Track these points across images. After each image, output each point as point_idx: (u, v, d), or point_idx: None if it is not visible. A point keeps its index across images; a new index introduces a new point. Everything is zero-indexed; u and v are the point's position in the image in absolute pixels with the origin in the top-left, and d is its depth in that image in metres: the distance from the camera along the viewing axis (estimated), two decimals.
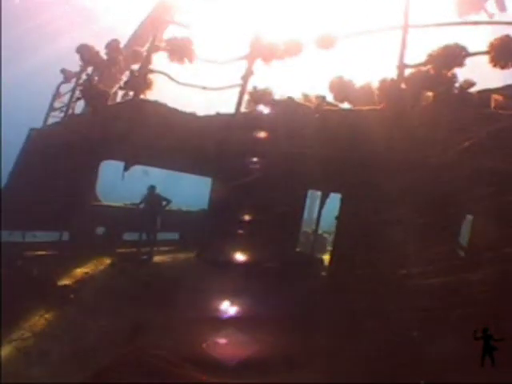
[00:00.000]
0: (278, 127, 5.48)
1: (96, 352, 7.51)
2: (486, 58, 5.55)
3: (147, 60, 6.24)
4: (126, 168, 10.35)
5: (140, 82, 6.12)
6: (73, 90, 8.83)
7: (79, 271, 10.14)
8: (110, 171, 12.00)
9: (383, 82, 5.40)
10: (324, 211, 11.31)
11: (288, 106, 5.49)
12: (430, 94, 5.50)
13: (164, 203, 12.32)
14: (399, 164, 4.90)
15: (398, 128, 4.91)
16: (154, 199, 11.99)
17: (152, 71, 6.27)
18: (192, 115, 6.40)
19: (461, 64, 5.46)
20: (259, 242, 9.73)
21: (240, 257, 10.26)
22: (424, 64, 5.44)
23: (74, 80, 9.59)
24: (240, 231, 10.88)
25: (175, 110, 6.20)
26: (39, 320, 8.63)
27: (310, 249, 12.10)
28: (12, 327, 8.32)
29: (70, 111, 8.92)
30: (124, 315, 8.37)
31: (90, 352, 7.44)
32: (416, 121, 4.91)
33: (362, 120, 5.14)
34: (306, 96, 6.00)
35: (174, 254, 13.10)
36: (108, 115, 6.66)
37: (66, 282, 9.67)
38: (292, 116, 5.43)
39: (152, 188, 12.00)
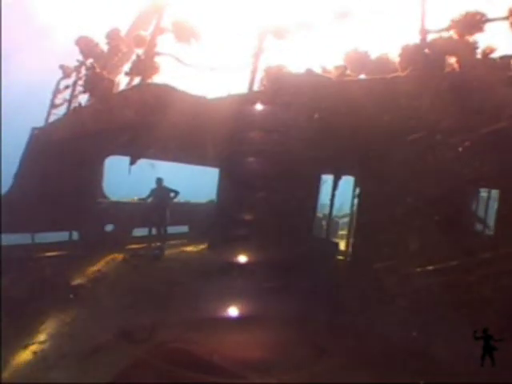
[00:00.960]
0: (297, 103, 5.21)
1: (115, 351, 7.32)
2: (504, 24, 5.39)
3: (152, 42, 5.96)
4: (132, 162, 10.12)
5: (147, 65, 5.84)
6: (74, 84, 8.55)
7: (91, 270, 9.94)
8: (114, 167, 11.77)
9: (406, 48, 5.14)
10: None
11: (308, 79, 5.21)
12: (453, 59, 5.27)
13: (172, 195, 12.09)
14: (430, 133, 4.69)
15: (427, 94, 4.66)
16: (162, 192, 11.76)
17: (158, 54, 6.00)
18: (203, 98, 6.12)
19: (481, 29, 5.29)
20: (273, 230, 9.55)
21: (253, 247, 10.10)
22: (446, 29, 5.24)
23: (73, 75, 9.31)
24: (251, 220, 10.75)
25: (186, 94, 5.92)
26: (54, 321, 8.43)
27: (324, 233, 11.87)
28: (26, 331, 8.13)
29: (72, 106, 8.65)
30: (140, 312, 8.19)
31: (109, 351, 7.25)
32: (445, 86, 4.65)
33: (388, 88, 4.87)
34: (324, 68, 5.74)
35: (185, 247, 12.91)
36: (115, 103, 6.38)
37: (79, 281, 9.46)
38: (313, 89, 5.15)
39: (159, 181, 11.77)
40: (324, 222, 14.44)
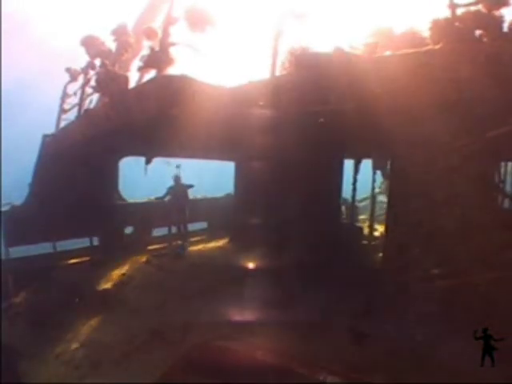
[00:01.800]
0: (327, 83, 4.93)
1: (149, 354, 7.16)
2: None
3: (165, 33, 5.68)
4: (147, 161, 9.90)
5: (161, 57, 5.57)
6: (83, 86, 8.30)
7: (116, 273, 9.79)
8: (129, 168, 11.55)
9: (436, 22, 4.91)
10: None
11: (338, 58, 4.92)
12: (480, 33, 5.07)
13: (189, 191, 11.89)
14: (471, 107, 4.43)
15: (465, 67, 4.40)
16: (180, 190, 11.54)
17: (173, 44, 5.72)
18: (223, 88, 5.84)
19: (508, 4, 5.18)
20: (298, 220, 9.31)
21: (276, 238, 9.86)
22: (474, 4, 5.07)
23: (80, 78, 9.07)
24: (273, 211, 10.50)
25: (205, 84, 5.63)
26: (84, 329, 8.29)
27: (349, 218, 11.62)
28: (56, 340, 8.01)
29: (83, 109, 8.42)
30: (170, 313, 8.01)
31: (143, 355, 7.09)
32: (481, 58, 4.40)
33: (424, 62, 4.59)
34: (352, 46, 5.45)
35: (206, 243, 12.72)
36: (131, 99, 6.13)
37: (104, 286, 9.31)
38: (345, 68, 4.86)
39: (177, 178, 11.54)
40: (343, 207, 14.11)
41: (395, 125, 5.01)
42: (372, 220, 11.94)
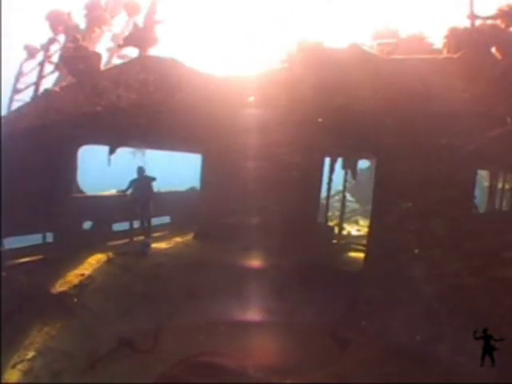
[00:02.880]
0: (338, 79, 4.55)
1: (119, 364, 6.52)
2: None
3: (153, 8, 4.99)
4: (111, 151, 9.05)
5: (146, 35, 4.88)
6: (41, 64, 7.30)
7: (74, 274, 8.90)
8: (88, 157, 10.58)
9: (453, 30, 4.73)
10: None
11: (354, 56, 4.55)
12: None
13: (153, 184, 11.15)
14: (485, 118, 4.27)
15: (482, 78, 4.24)
16: (144, 182, 10.77)
17: (159, 22, 5.03)
18: (214, 77, 5.26)
19: None
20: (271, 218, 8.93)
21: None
22: (493, 18, 5.02)
23: (39, 55, 8.05)
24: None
25: (194, 71, 5.02)
26: (40, 336, 7.49)
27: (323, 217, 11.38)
28: (11, 348, 7.15)
29: (41, 89, 7.43)
30: (137, 318, 7.37)
31: (111, 365, 6.45)
32: (498, 71, 4.25)
33: (440, 69, 4.39)
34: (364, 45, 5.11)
35: (169, 239, 11.99)
36: (105, 81, 5.34)
37: (61, 288, 8.43)
38: (360, 65, 4.51)
39: (141, 170, 10.75)
40: None
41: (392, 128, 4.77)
42: (341, 219, 11.84)
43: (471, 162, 5.33)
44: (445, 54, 4.70)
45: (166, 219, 13.72)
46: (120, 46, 5.29)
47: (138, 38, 4.89)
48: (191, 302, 7.58)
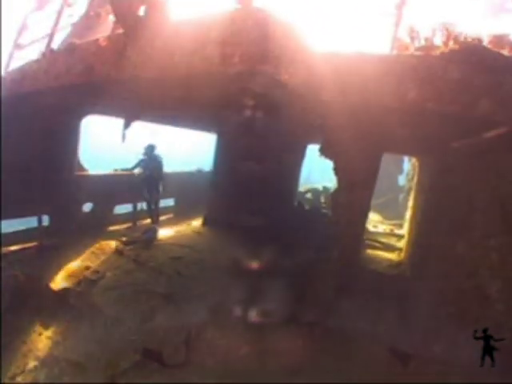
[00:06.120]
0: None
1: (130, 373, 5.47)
2: None
3: None
4: (126, 124, 7.69)
5: None
6: (58, 13, 5.74)
7: (77, 266, 7.67)
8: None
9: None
10: None
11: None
12: None
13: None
14: None
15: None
16: (154, 162, 9.48)
17: None
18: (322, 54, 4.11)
19: None
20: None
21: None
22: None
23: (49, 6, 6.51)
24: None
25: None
26: (41, 341, 6.27)
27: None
28: (7, 355, 5.93)
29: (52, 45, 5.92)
30: (161, 323, 6.32)
31: (134, 380, 5.38)
32: None
33: None
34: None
35: (176, 224, 10.83)
36: (174, 36, 3.97)
37: (63, 283, 7.21)
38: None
39: (151, 148, 9.44)
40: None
41: None
42: None
43: None
44: None
45: (170, 201, 12.51)
46: None
47: None
48: (224, 305, 6.63)
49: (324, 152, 5.91)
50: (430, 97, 4.14)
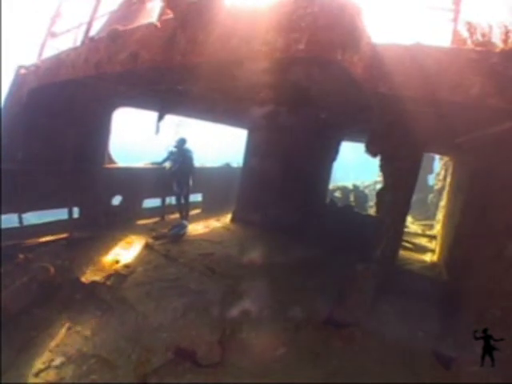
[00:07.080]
0: None
1: (174, 379, 5.18)
2: None
3: None
4: (160, 117, 7.47)
5: None
6: (97, 0, 5.52)
7: (107, 260, 7.48)
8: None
9: None
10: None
11: None
12: None
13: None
14: None
15: None
16: (184, 156, 9.25)
17: None
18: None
19: None
20: None
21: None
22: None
23: None
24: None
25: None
26: (70, 336, 6.05)
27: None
28: (32, 350, 5.74)
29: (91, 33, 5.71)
30: (193, 321, 6.04)
31: (166, 379, 5.10)
32: None
33: None
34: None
35: (204, 220, 10.59)
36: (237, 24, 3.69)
37: (94, 277, 7.01)
38: None
39: (182, 142, 9.22)
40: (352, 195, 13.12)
41: None
42: None
43: None
44: None
45: (197, 197, 12.29)
46: None
47: None
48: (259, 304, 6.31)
49: (370, 149, 5.56)
50: (492, 92, 3.89)
